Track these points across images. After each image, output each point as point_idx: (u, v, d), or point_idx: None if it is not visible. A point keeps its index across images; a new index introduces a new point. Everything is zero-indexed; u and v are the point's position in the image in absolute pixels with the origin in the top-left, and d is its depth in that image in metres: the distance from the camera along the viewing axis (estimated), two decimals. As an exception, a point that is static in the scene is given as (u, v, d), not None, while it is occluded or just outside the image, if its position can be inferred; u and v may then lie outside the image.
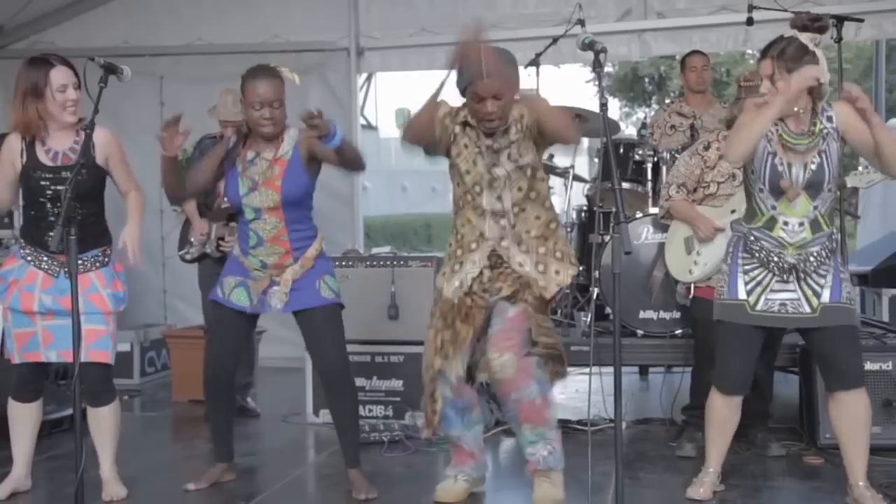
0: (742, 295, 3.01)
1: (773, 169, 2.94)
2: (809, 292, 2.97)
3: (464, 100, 2.99)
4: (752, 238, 3.02)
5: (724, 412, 3.16)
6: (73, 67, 3.15)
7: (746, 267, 3.03)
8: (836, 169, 2.97)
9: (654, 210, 4.24)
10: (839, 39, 4.50)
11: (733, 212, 3.71)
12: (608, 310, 4.43)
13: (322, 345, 3.24)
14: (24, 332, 3.20)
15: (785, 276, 2.97)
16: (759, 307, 3.00)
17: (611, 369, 2.44)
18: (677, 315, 4.17)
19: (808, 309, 2.97)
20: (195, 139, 4.46)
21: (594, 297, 4.22)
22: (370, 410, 4.27)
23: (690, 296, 3.84)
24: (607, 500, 3.11)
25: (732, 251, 3.09)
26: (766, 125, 2.87)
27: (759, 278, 3.01)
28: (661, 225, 4.10)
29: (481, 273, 3.04)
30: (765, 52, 2.98)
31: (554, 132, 2.94)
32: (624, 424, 2.69)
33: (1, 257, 4.76)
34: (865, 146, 2.92)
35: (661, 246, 4.08)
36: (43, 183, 3.13)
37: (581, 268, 3.16)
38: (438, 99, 3.00)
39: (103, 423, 3.28)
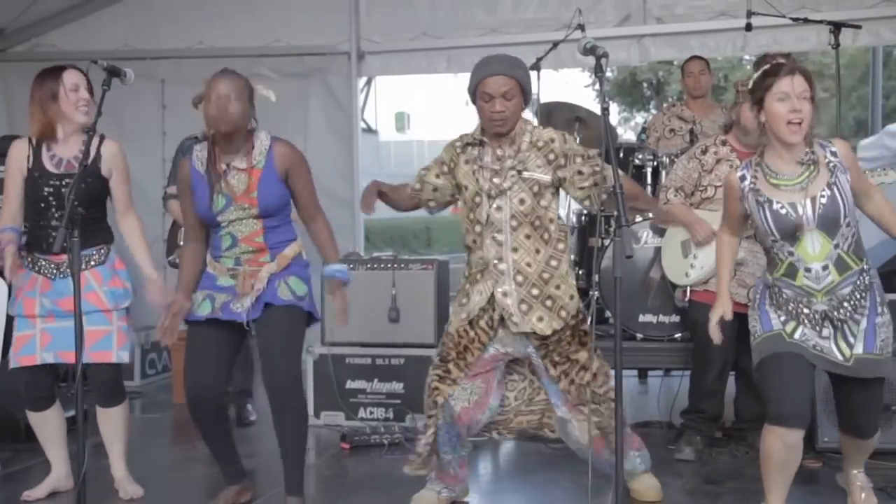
0: (777, 326, 2.75)
1: (776, 215, 2.70)
2: (843, 343, 2.72)
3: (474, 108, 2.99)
4: (776, 290, 2.77)
5: (783, 455, 2.68)
6: (85, 73, 3.21)
7: (777, 310, 2.78)
8: (852, 202, 2.70)
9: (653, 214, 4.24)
10: (836, 45, 4.52)
11: (730, 215, 3.72)
12: (608, 313, 4.44)
13: (266, 353, 2.94)
14: (23, 336, 3.21)
15: (818, 328, 2.72)
16: (796, 336, 2.73)
17: (611, 372, 2.44)
18: (676, 319, 4.17)
19: (840, 357, 2.72)
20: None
21: (594, 300, 4.21)
22: (371, 413, 4.27)
23: (687, 299, 3.85)
24: (607, 502, 3.11)
25: (758, 298, 2.84)
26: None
27: (791, 318, 2.76)
28: (659, 229, 4.10)
29: (492, 306, 2.95)
30: (791, 71, 2.68)
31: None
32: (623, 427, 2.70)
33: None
34: (853, 192, 2.74)
35: (660, 249, 4.09)
36: (46, 189, 3.14)
37: (580, 308, 3.05)
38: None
39: (114, 423, 3.29)
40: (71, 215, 2.75)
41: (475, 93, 2.93)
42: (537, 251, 2.93)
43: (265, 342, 2.97)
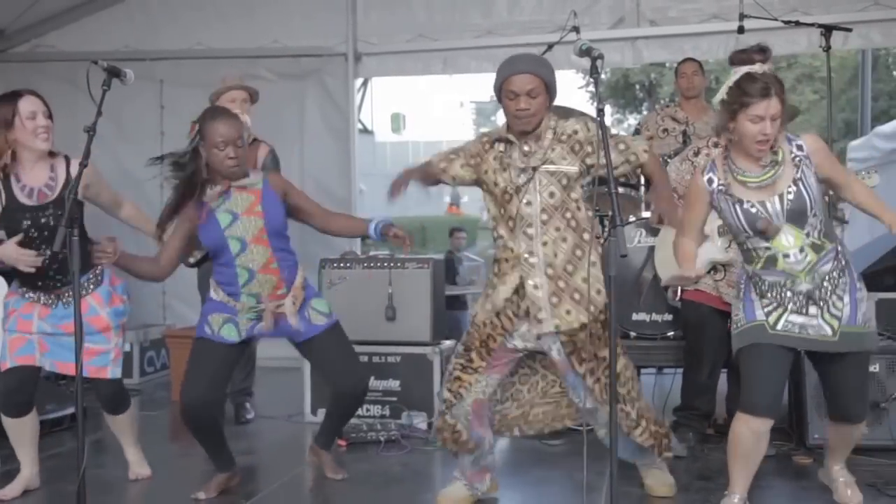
0: (760, 316, 2.81)
1: (748, 213, 2.77)
2: (830, 317, 2.79)
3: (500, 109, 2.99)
4: (757, 279, 2.84)
5: (749, 441, 2.80)
6: (43, 98, 3.15)
7: (763, 301, 2.84)
8: (818, 193, 2.77)
9: (646, 214, 4.24)
10: (828, 48, 4.53)
11: (721, 216, 3.72)
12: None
13: (341, 368, 3.23)
14: (18, 338, 3.16)
15: (803, 309, 2.79)
16: (779, 327, 2.79)
17: (606, 370, 2.44)
18: (669, 317, 4.17)
19: (829, 331, 2.78)
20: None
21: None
22: (367, 410, 4.26)
23: (678, 298, 3.85)
24: (601, 498, 3.11)
25: (743, 288, 2.90)
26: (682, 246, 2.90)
27: (776, 304, 2.82)
28: (653, 229, 4.11)
29: (516, 293, 2.94)
30: (766, 94, 2.69)
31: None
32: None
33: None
34: (830, 184, 2.85)
35: (652, 249, 4.09)
36: (25, 223, 3.07)
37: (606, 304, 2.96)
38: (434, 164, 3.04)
39: (122, 423, 3.45)
40: (71, 214, 2.69)
41: (500, 90, 2.91)
42: (564, 240, 2.93)
43: (329, 359, 3.26)
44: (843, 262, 2.84)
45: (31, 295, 3.18)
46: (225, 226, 3.08)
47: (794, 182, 2.76)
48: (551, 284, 2.91)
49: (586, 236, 2.96)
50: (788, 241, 2.77)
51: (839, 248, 2.83)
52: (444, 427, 3.06)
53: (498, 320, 2.98)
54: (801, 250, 2.77)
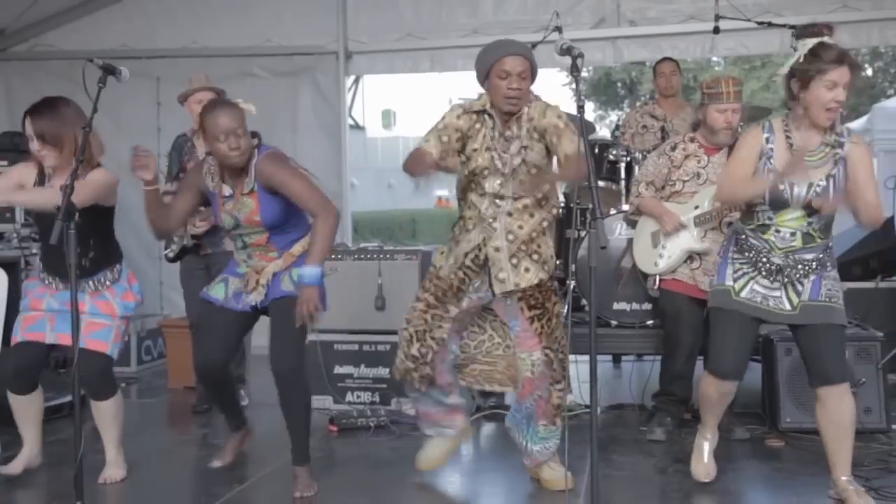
0: (728, 281, 2.91)
1: (773, 188, 2.78)
2: (792, 293, 2.85)
3: (482, 91, 3.00)
4: (743, 236, 2.92)
5: (716, 398, 3.02)
6: (43, 116, 3.10)
7: (735, 256, 2.94)
8: (842, 194, 2.78)
9: (626, 207, 4.24)
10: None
11: (696, 208, 3.72)
12: (584, 301, 4.44)
13: (272, 340, 3.02)
14: (31, 315, 3.20)
15: (771, 279, 2.86)
16: (743, 294, 2.89)
17: (586, 357, 2.44)
18: (648, 306, 4.17)
19: (788, 306, 2.86)
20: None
21: (571, 289, 4.22)
22: (358, 396, 4.26)
23: (656, 286, 3.86)
24: (583, 480, 3.11)
25: (726, 245, 3.01)
26: (758, 193, 2.80)
27: (746, 269, 2.91)
28: (633, 221, 4.11)
29: (478, 249, 3.01)
30: (841, 60, 2.69)
31: (558, 158, 2.94)
32: (598, 410, 2.67)
33: (2, 249, 4.73)
34: (850, 193, 2.79)
35: (632, 241, 4.09)
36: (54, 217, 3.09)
37: (557, 265, 3.13)
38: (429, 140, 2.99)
39: (104, 415, 3.25)
40: (68, 208, 2.67)
41: (490, 71, 2.91)
42: (531, 216, 3.00)
43: (271, 331, 3.03)
44: (826, 259, 2.87)
45: (50, 280, 3.21)
46: (230, 227, 3.05)
47: (827, 178, 2.77)
48: (511, 247, 2.98)
49: (555, 211, 3.06)
50: (791, 219, 2.81)
51: (828, 246, 2.88)
52: (416, 370, 3.10)
53: (463, 273, 3.03)
54: (793, 233, 2.82)
